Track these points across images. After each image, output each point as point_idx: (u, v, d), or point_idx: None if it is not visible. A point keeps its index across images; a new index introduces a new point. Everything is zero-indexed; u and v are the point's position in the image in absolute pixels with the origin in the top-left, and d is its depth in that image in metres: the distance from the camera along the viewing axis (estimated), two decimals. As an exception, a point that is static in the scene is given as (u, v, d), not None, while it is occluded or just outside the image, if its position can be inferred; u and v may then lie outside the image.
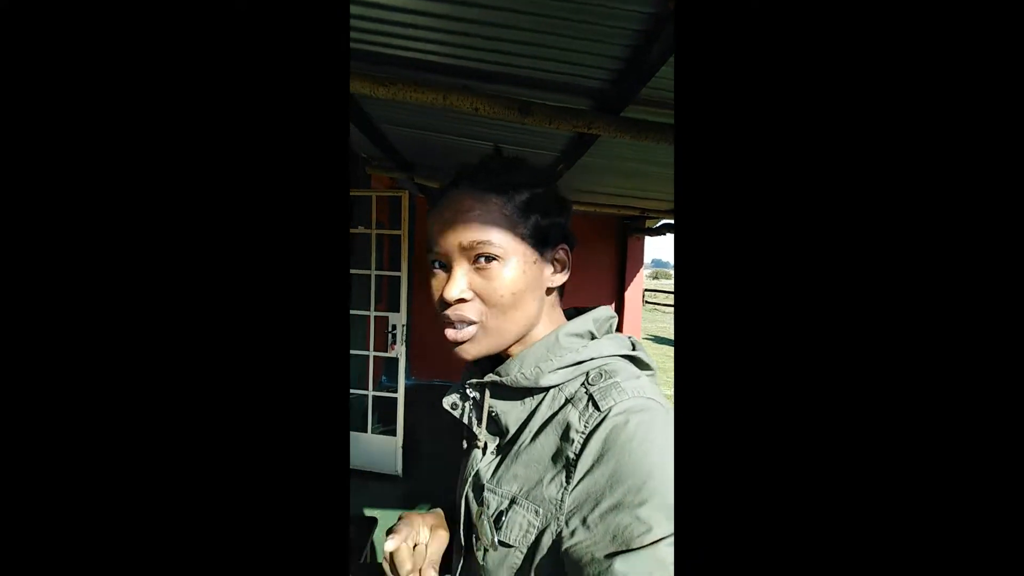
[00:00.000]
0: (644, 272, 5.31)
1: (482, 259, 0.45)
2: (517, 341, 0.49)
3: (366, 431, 2.92)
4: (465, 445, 0.58)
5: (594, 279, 5.16)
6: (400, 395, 2.86)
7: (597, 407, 0.43)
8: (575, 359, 0.47)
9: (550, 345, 0.48)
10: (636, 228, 4.94)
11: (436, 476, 0.63)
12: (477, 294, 0.46)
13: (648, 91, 1.43)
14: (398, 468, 2.92)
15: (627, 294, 5.18)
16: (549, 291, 0.50)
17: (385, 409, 3.04)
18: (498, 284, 0.45)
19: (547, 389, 0.48)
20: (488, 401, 0.51)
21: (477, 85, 1.48)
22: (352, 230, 2.85)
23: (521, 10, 1.11)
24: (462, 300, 0.46)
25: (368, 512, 2.55)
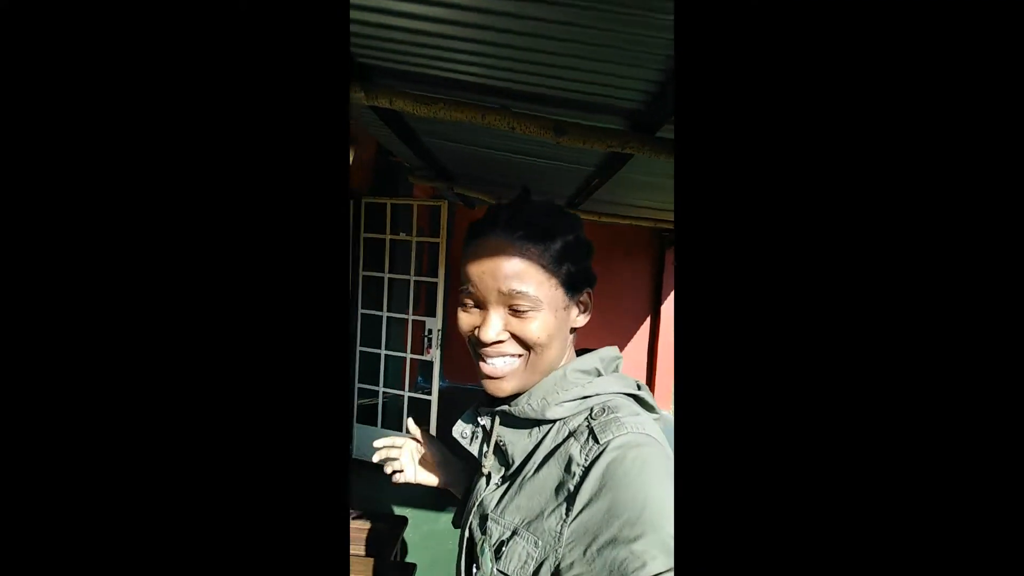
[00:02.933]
0: (683, 285, 5.16)
1: (519, 306, 0.47)
2: (542, 375, 0.52)
3: (401, 431, 3.02)
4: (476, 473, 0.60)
5: (630, 292, 5.08)
6: (434, 397, 2.94)
7: (596, 440, 0.45)
8: (580, 394, 0.49)
9: (558, 379, 0.50)
10: (673, 241, 4.84)
11: (467, 477, 0.70)
12: (512, 335, 0.49)
13: (684, 112, 1.44)
14: (429, 469, 2.99)
15: (663, 307, 5.08)
16: (572, 330, 0.53)
17: (419, 411, 3.13)
18: (533, 329, 0.48)
19: (553, 422, 0.50)
20: (497, 430, 0.53)
21: (514, 105, 1.53)
22: (394, 236, 2.97)
23: (559, 37, 1.15)
24: (499, 341, 0.49)
25: (398, 511, 2.62)
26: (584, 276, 0.52)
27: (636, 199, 2.92)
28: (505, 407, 0.52)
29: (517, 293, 0.47)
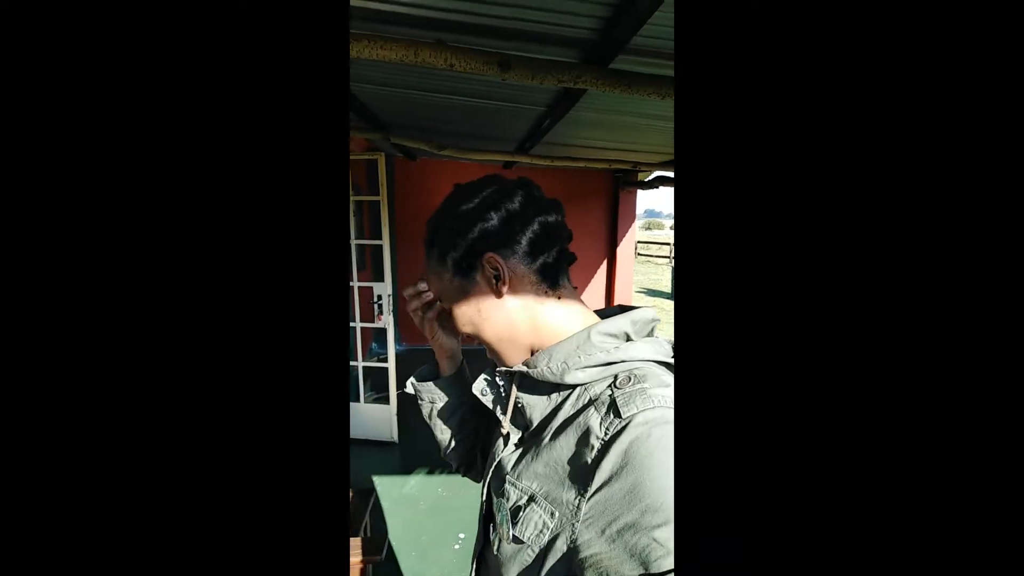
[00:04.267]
0: (637, 224, 5.23)
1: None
2: (527, 347, 0.51)
3: (359, 401, 2.93)
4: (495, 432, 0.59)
5: (587, 235, 5.08)
6: (391, 364, 2.84)
7: (619, 414, 0.41)
8: (605, 359, 0.45)
9: (581, 342, 0.47)
10: (628, 182, 4.81)
11: (432, 439, 0.68)
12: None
13: (639, 40, 1.31)
14: (394, 435, 2.96)
15: (619, 249, 5.12)
16: (499, 294, 0.49)
17: (378, 378, 3.03)
18: (458, 325, 0.53)
19: (573, 387, 0.47)
20: (515, 391, 0.51)
21: (452, 38, 1.34)
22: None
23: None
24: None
25: (367, 479, 2.59)
26: (471, 251, 0.49)
27: (587, 140, 2.79)
28: (523, 368, 0.49)
29: (438, 304, 0.57)
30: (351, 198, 2.69)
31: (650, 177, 4.41)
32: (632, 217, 5.15)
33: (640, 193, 5.08)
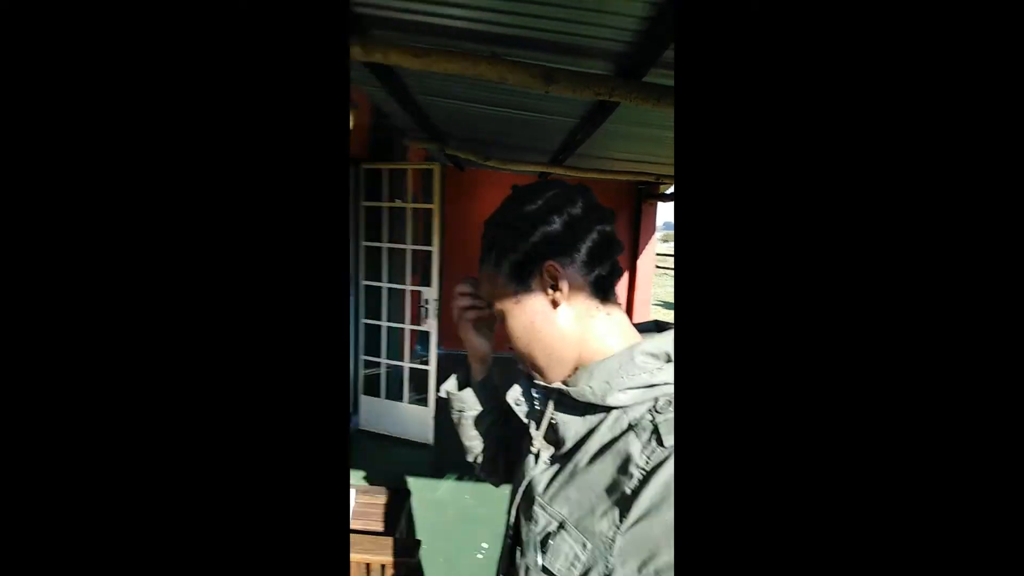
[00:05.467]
0: (657, 236, 5.27)
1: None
2: (573, 363, 0.49)
3: (402, 400, 3.03)
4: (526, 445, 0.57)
5: (609, 247, 5.11)
6: (432, 367, 2.95)
7: (661, 442, 0.40)
8: (647, 381, 0.44)
9: (624, 362, 0.45)
10: (650, 194, 4.91)
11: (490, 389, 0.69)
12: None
13: (671, 54, 1.44)
14: (430, 437, 3.03)
15: (639, 261, 5.16)
16: (555, 304, 0.47)
17: (418, 380, 3.15)
18: (510, 336, 0.51)
19: (611, 408, 0.45)
20: (551, 408, 0.50)
21: (504, 52, 1.49)
22: (390, 204, 2.92)
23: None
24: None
25: (402, 479, 2.62)
26: (532, 254, 0.47)
27: (616, 152, 2.92)
28: (563, 387, 0.48)
29: (496, 314, 0.52)
30: (409, 206, 2.87)
31: (671, 190, 4.50)
32: (652, 230, 5.20)
33: (659, 205, 5.16)
